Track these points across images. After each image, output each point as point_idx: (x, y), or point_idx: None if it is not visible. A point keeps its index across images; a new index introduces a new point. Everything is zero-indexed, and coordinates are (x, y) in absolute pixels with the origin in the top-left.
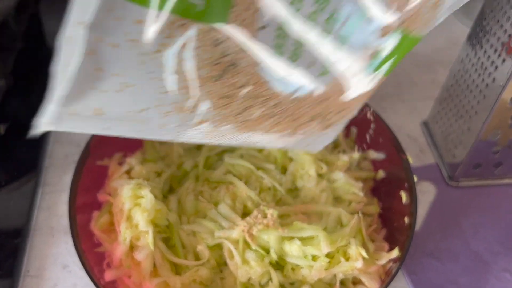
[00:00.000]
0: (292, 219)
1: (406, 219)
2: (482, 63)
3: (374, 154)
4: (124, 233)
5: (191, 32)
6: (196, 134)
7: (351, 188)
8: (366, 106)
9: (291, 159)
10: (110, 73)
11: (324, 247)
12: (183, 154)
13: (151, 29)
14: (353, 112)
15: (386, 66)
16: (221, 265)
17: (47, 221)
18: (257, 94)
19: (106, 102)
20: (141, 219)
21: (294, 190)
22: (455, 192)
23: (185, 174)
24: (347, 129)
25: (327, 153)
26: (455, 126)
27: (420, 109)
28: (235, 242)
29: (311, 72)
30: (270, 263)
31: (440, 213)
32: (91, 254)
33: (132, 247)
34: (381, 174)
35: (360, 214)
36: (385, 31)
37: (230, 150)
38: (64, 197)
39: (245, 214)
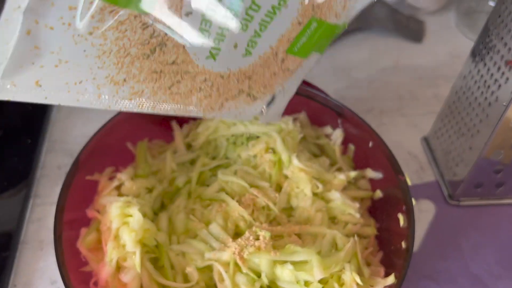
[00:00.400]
0: (285, 241)
1: (404, 244)
2: (485, 81)
3: (372, 173)
4: (111, 254)
5: (121, 17)
6: (131, 104)
7: (348, 208)
8: (364, 123)
9: (286, 177)
10: (47, 51)
11: (317, 273)
12: (175, 169)
13: (84, 14)
14: (274, 89)
15: (305, 49)
16: (211, 287)
17: (37, 234)
18: (185, 70)
19: (45, 76)
20: (129, 240)
21: (288, 209)
22: (455, 212)
23: (177, 190)
24: (345, 146)
25: (323, 171)
26: (456, 143)
27: (421, 124)
28: (226, 265)
29: (236, 53)
30: (261, 287)
31: (439, 233)
32: (76, 273)
33: (118, 268)
34: (378, 194)
35: (356, 238)
36: (300, 20)
37: (225, 165)
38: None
39: (237, 234)
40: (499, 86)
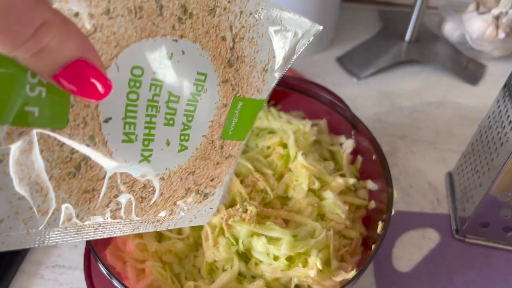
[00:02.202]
0: (271, 221)
1: (373, 247)
2: (503, 121)
3: (371, 184)
4: None
5: (32, 138)
6: (67, 234)
7: (336, 209)
8: (372, 138)
9: (290, 170)
10: None
11: (283, 249)
12: None
13: None
14: (223, 180)
15: (240, 131)
16: (198, 244)
17: None
18: (121, 181)
19: None
20: None
21: (284, 198)
22: (458, 246)
23: None
24: (354, 156)
25: (325, 172)
26: (471, 180)
27: (450, 160)
28: (214, 227)
29: (170, 151)
30: (237, 252)
31: (436, 262)
32: None
33: None
34: (372, 204)
35: (331, 232)
36: (224, 102)
37: (243, 151)
38: None
39: (232, 206)
40: None
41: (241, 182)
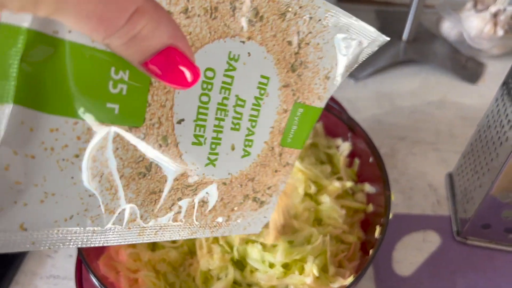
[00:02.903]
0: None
1: (371, 251)
2: (501, 120)
3: (368, 188)
4: None
5: (109, 135)
6: (129, 234)
7: (333, 213)
8: (369, 141)
9: None
10: (30, 185)
11: (279, 256)
12: None
13: (68, 136)
14: (279, 189)
15: (298, 139)
16: (192, 252)
17: None
18: (186, 184)
19: (30, 216)
20: None
21: None
22: (459, 248)
23: None
24: (351, 159)
25: (321, 176)
26: (471, 181)
27: (450, 161)
28: None
29: (234, 156)
30: (232, 259)
31: (437, 265)
32: None
33: None
34: (370, 207)
35: (328, 237)
36: (285, 107)
37: None
38: None
39: None
40: (511, 126)
41: None
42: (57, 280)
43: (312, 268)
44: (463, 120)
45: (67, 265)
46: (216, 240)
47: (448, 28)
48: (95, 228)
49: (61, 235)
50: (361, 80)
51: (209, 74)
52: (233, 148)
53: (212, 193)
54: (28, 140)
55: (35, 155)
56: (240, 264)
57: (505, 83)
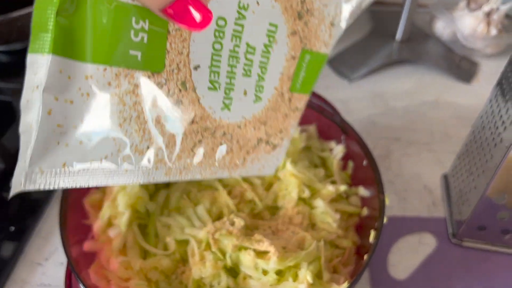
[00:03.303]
0: (259, 232)
1: (365, 257)
2: (495, 121)
3: (363, 191)
4: (105, 210)
5: (137, 81)
6: (157, 174)
7: (327, 217)
8: (363, 143)
9: (278, 178)
10: (70, 127)
11: (272, 263)
12: None
13: (101, 83)
14: (290, 133)
15: (307, 85)
16: (185, 260)
17: None
18: (204, 126)
19: (71, 155)
20: (122, 201)
21: (274, 208)
22: (455, 251)
23: None
24: (345, 162)
25: (315, 180)
26: (466, 182)
27: (445, 162)
28: (200, 242)
29: (247, 101)
30: (225, 266)
31: (433, 268)
32: (78, 225)
33: (110, 225)
34: (365, 211)
35: (322, 243)
36: (293, 54)
37: None
38: None
39: (219, 218)
40: (505, 127)
41: (229, 193)
42: None
43: (306, 275)
44: (457, 120)
45: (57, 273)
46: (208, 247)
47: (441, 28)
48: (128, 168)
49: (98, 174)
50: (355, 80)
51: (221, 22)
52: (245, 94)
53: (228, 136)
54: (66, 87)
55: (73, 100)
56: (233, 271)
57: (498, 84)
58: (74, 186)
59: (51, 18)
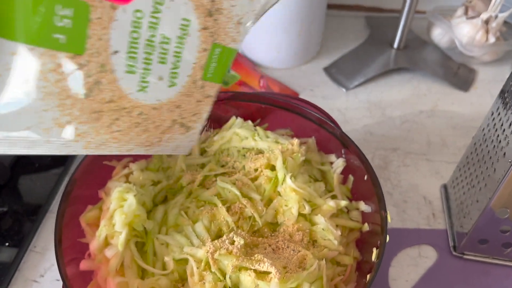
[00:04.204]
0: (260, 251)
1: (368, 276)
2: (498, 135)
3: (363, 206)
4: (101, 229)
5: (59, 60)
6: (77, 146)
7: (328, 234)
8: (363, 158)
9: (278, 194)
10: None
11: (273, 285)
12: (184, 169)
13: (26, 60)
14: (203, 117)
15: (217, 75)
16: (184, 279)
17: None
18: (122, 106)
19: None
20: (119, 220)
21: (274, 225)
22: (456, 264)
23: (181, 188)
24: (345, 176)
25: (315, 195)
26: (467, 195)
27: (444, 172)
28: (199, 261)
29: (162, 85)
30: (224, 287)
31: (434, 281)
32: (74, 243)
33: (107, 244)
34: (366, 227)
35: (323, 262)
36: (204, 47)
37: (229, 174)
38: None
39: (218, 236)
40: (508, 142)
41: (228, 209)
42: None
43: None
44: (454, 129)
45: None
46: (208, 267)
47: (439, 35)
48: (49, 139)
49: (19, 143)
50: (351, 89)
51: (138, 14)
52: (160, 79)
53: (144, 116)
54: None
55: (1, 74)
56: None
57: (500, 96)
58: None
59: None
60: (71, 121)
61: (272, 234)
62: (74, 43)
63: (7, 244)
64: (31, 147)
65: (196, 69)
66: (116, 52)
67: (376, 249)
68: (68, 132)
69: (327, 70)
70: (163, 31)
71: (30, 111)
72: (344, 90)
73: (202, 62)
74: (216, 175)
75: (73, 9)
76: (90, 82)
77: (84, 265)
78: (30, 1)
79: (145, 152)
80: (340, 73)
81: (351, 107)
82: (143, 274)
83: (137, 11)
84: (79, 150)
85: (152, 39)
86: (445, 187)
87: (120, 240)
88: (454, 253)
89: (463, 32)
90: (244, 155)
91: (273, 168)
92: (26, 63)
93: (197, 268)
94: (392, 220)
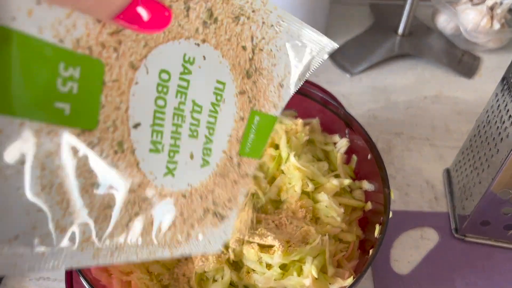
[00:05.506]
0: (263, 226)
1: (371, 251)
2: (502, 116)
3: (367, 185)
4: None
5: (60, 139)
6: (82, 257)
7: (331, 211)
8: (367, 137)
9: (282, 172)
10: None
11: (276, 257)
12: None
13: (13, 139)
14: (239, 202)
15: (257, 148)
16: None
17: None
18: (143, 197)
19: None
20: None
21: (277, 202)
22: (458, 246)
23: None
24: (349, 156)
25: (318, 174)
26: (470, 177)
27: (447, 157)
28: None
29: (194, 165)
30: (228, 260)
31: (435, 263)
32: None
33: None
34: (369, 205)
35: (327, 237)
36: (241, 115)
37: None
38: None
39: None
40: (511, 122)
41: None
42: (47, 282)
43: (310, 269)
44: (459, 115)
45: None
46: None
47: (444, 22)
48: (45, 250)
49: (5, 260)
50: (356, 75)
51: (164, 76)
52: (192, 157)
53: (171, 207)
54: None
55: None
56: (236, 265)
57: (505, 78)
58: None
59: None
60: (76, 223)
61: (275, 211)
62: (82, 114)
63: None
64: (18, 264)
65: (232, 142)
66: (137, 125)
67: (379, 225)
68: (72, 238)
69: (332, 55)
70: (194, 96)
71: (20, 212)
72: (348, 75)
73: (239, 133)
74: None
75: (79, 67)
76: (103, 167)
77: None
78: (20, 55)
79: (170, 255)
80: (345, 58)
81: (355, 92)
82: None
83: (163, 71)
84: (86, 261)
85: (181, 107)
86: (447, 171)
87: None
88: (455, 235)
89: (468, 18)
90: None
91: (276, 147)
92: (15, 144)
93: None
94: (395, 203)
